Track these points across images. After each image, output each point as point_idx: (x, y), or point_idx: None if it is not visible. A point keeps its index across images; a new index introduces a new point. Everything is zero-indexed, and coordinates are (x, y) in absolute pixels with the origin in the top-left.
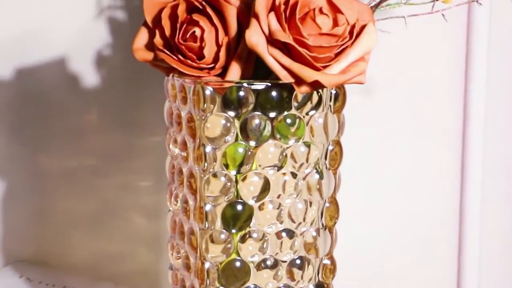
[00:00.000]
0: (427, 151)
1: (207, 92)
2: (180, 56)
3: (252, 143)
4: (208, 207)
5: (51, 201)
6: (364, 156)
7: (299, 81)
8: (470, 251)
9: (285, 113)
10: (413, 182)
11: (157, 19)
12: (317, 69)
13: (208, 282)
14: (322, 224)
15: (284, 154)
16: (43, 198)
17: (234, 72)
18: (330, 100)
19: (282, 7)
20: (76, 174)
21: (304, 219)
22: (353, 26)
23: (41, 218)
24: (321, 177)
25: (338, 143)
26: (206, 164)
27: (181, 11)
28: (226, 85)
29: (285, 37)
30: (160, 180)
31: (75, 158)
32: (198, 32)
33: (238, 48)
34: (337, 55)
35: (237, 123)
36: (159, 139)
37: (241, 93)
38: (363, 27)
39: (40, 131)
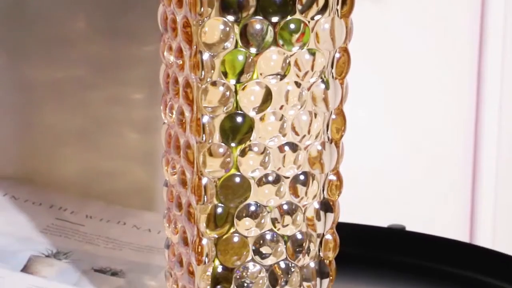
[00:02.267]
0: (441, 60)
1: None
2: None
3: (253, 50)
4: (205, 119)
5: (37, 115)
6: (373, 65)
7: None
8: (485, 172)
9: (289, 17)
10: (427, 94)
11: None
12: None
13: (205, 198)
14: (328, 137)
15: (287, 62)
16: (28, 112)
17: None
18: (337, 4)
19: None
20: (63, 86)
21: (308, 132)
22: None
23: (26, 133)
24: (327, 87)
25: (345, 51)
26: (203, 73)
27: None
28: None
29: None
30: (154, 92)
31: (62, 69)
32: None
33: None
34: None
35: (236, 29)
36: (152, 49)
37: None
38: None
39: (23, 40)
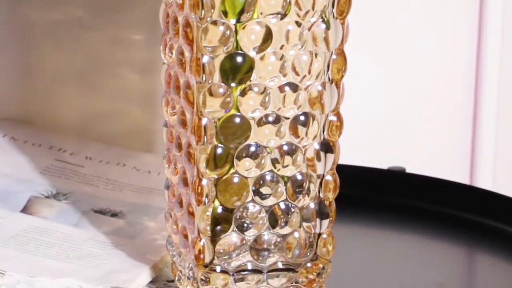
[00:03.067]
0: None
1: None
2: None
3: None
4: (205, 59)
5: (36, 57)
6: (375, 4)
7: None
8: (486, 113)
9: None
10: (428, 34)
11: None
12: None
13: (205, 139)
14: (329, 78)
15: (288, 1)
16: (27, 54)
17: None
18: None
19: None
20: (62, 27)
21: (309, 72)
22: None
23: (26, 74)
24: (328, 27)
25: None
26: (203, 12)
27: None
28: None
29: None
30: (154, 33)
31: (61, 10)
32: None
33: None
34: None
35: None
36: None
37: None
38: None
39: None
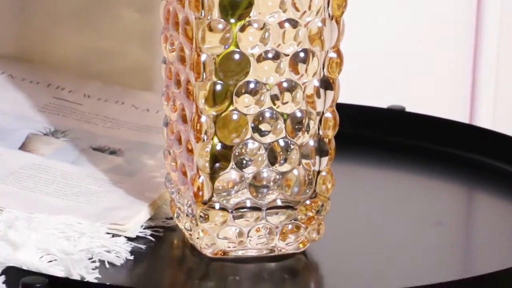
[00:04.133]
0: None
1: None
2: None
3: None
4: None
5: None
6: None
7: None
8: (486, 51)
9: None
10: None
11: None
12: None
13: (204, 75)
14: (329, 14)
15: None
16: None
17: None
18: None
19: None
20: None
21: (309, 8)
22: None
23: (23, 12)
24: None
25: None
26: None
27: None
28: None
29: None
30: None
31: None
32: None
33: None
34: None
35: None
36: None
37: None
38: None
39: None
